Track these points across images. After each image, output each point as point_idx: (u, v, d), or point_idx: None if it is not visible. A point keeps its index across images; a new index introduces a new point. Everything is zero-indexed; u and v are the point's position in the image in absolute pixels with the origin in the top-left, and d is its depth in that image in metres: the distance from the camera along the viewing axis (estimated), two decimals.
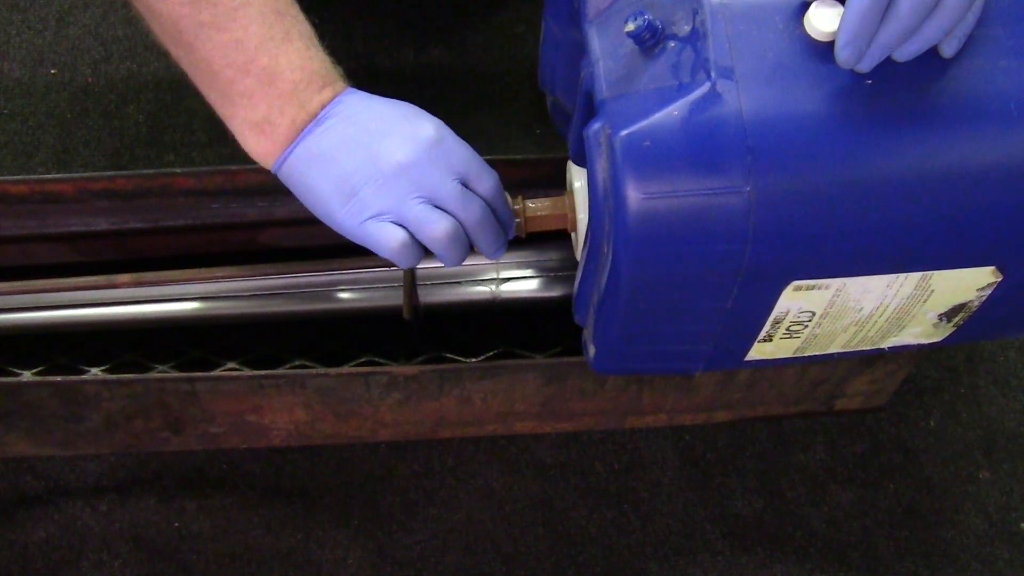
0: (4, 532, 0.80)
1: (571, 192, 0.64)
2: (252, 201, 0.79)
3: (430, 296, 0.80)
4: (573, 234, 0.65)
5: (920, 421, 0.88)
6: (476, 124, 0.98)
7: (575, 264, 0.65)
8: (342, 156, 0.57)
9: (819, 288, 0.55)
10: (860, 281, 0.55)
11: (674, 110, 0.50)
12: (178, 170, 0.78)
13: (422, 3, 1.07)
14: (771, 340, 0.61)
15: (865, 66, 0.50)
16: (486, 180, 0.60)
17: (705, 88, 0.50)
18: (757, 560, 0.81)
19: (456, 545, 0.81)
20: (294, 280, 0.80)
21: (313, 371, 0.74)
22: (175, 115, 0.99)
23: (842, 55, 0.49)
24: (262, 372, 0.74)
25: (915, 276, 0.55)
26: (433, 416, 0.81)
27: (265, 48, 0.57)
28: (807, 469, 0.86)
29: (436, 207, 0.58)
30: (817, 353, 0.63)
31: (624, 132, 0.50)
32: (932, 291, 0.57)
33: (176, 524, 0.81)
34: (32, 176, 0.88)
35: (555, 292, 0.80)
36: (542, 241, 0.74)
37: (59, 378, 0.73)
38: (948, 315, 0.60)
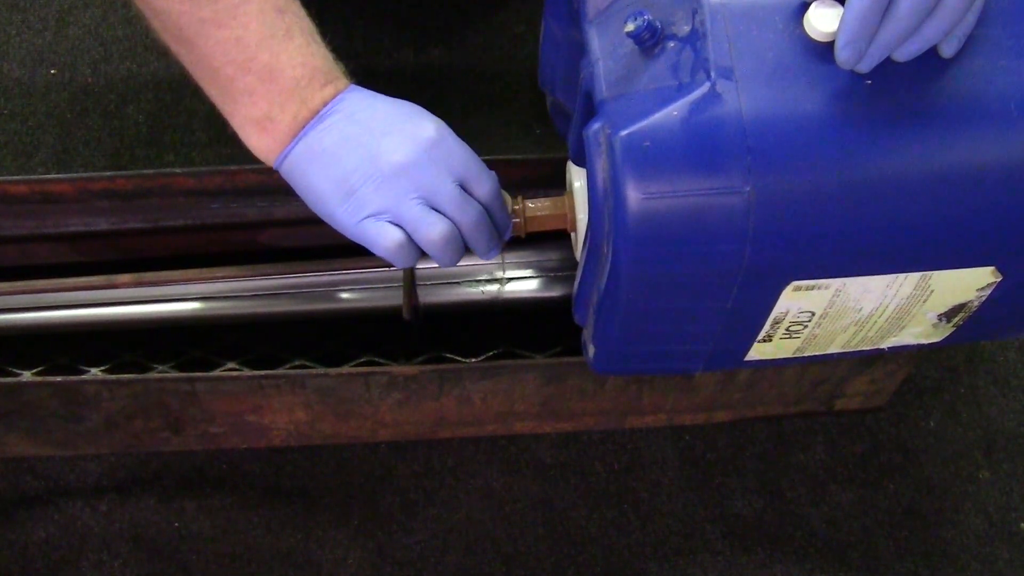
0: (4, 532, 0.80)
1: (571, 192, 0.64)
2: (252, 201, 0.79)
3: (430, 296, 0.80)
4: (573, 234, 0.65)
5: (920, 421, 0.88)
6: (476, 124, 0.98)
7: (575, 264, 0.65)
8: (342, 154, 0.57)
9: (819, 288, 0.55)
10: (860, 281, 0.55)
11: (674, 110, 0.50)
12: (178, 170, 0.78)
13: (422, 3, 1.07)
14: (771, 340, 0.61)
15: (865, 66, 0.50)
16: (485, 183, 0.60)
17: (705, 88, 0.50)
18: (757, 560, 0.81)
19: (456, 545, 0.81)
20: (294, 280, 0.80)
21: (313, 371, 0.74)
22: (175, 115, 0.99)
23: (842, 55, 0.49)
24: (262, 372, 0.74)
25: (915, 276, 0.55)
26: (433, 416, 0.81)
27: (266, 45, 0.57)
28: (807, 469, 0.86)
29: (433, 209, 0.58)
30: (817, 353, 0.63)
31: (624, 132, 0.50)
32: (932, 291, 0.57)
33: (176, 524, 0.81)
34: (32, 176, 0.88)
35: (555, 292, 0.80)
36: (542, 241, 0.74)
37: (59, 378, 0.73)
38: (948, 315, 0.60)
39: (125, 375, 0.75)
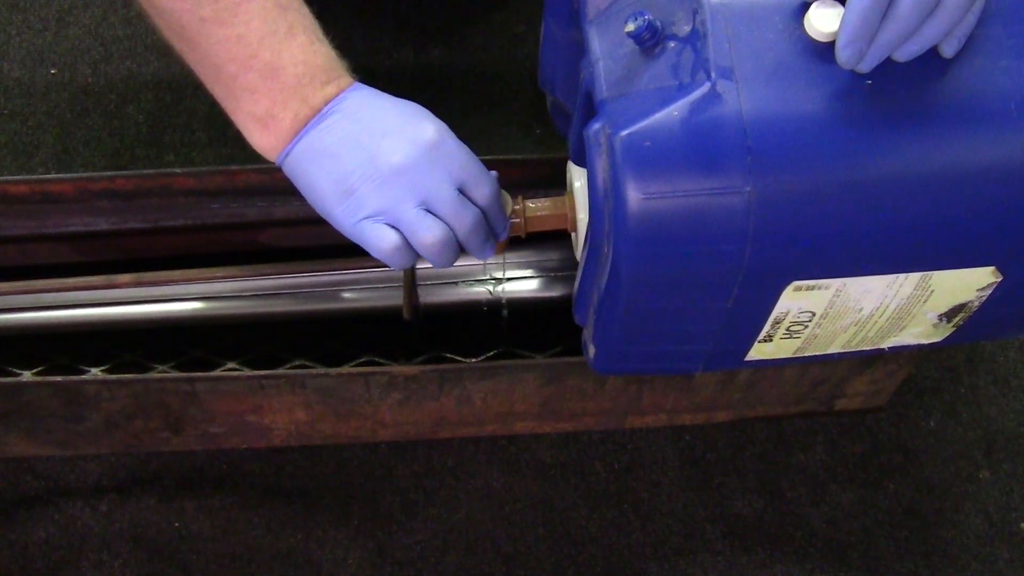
0: (4, 532, 0.80)
1: (571, 192, 0.64)
2: (252, 201, 0.80)
3: (430, 296, 0.80)
4: (573, 234, 0.65)
5: (920, 421, 0.88)
6: (476, 124, 0.98)
7: (575, 264, 0.65)
8: (342, 153, 0.57)
9: (819, 288, 0.55)
10: (860, 281, 0.55)
11: (674, 110, 0.50)
12: (178, 170, 0.78)
13: (422, 3, 1.07)
14: (771, 340, 0.61)
15: (865, 66, 0.50)
16: (483, 187, 0.60)
17: (705, 88, 0.50)
18: (757, 560, 0.81)
19: (456, 545, 0.81)
20: (294, 280, 0.80)
21: (313, 371, 0.74)
22: (175, 115, 0.99)
23: (842, 55, 0.49)
24: (262, 372, 0.74)
25: (915, 276, 0.55)
26: (433, 416, 0.81)
27: (267, 43, 0.57)
28: (807, 469, 0.86)
29: (430, 212, 0.58)
30: (817, 353, 0.63)
31: (624, 132, 0.50)
32: (932, 291, 0.57)
33: (176, 524, 0.81)
34: (32, 176, 0.88)
35: (555, 292, 0.80)
36: (542, 241, 0.74)
37: (59, 378, 0.73)
38: (948, 315, 0.60)
39: (125, 375, 0.75)
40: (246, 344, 0.82)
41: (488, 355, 0.77)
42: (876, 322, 0.59)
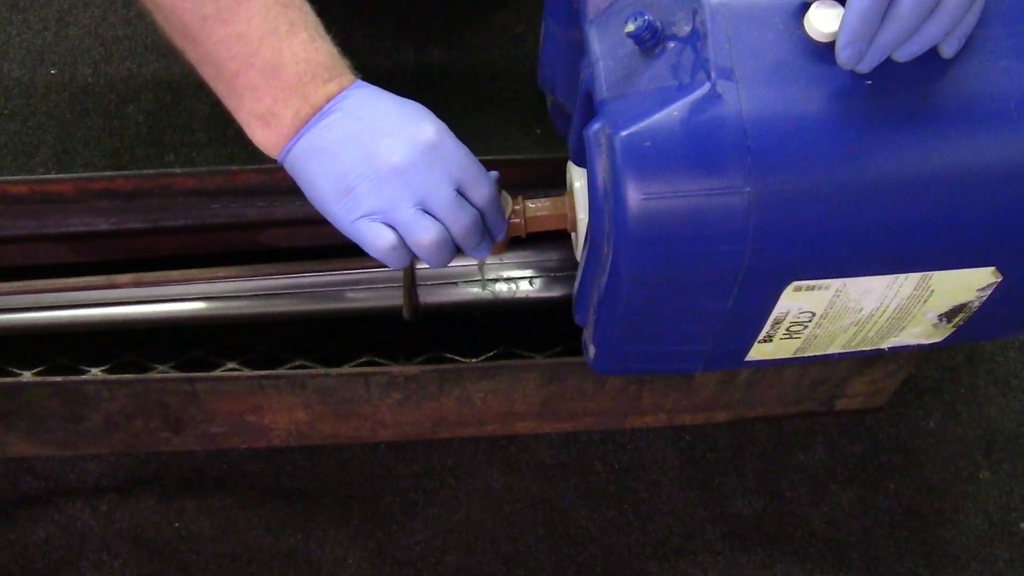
0: (4, 532, 0.80)
1: (571, 192, 0.64)
2: (252, 201, 0.79)
3: (430, 296, 0.80)
4: (573, 234, 0.65)
5: (920, 421, 0.88)
6: (476, 124, 0.98)
7: (575, 264, 0.65)
8: (342, 152, 0.57)
9: (819, 288, 0.55)
10: (860, 281, 0.55)
11: (674, 110, 0.50)
12: (178, 170, 0.78)
13: (422, 3, 1.07)
14: (771, 340, 0.61)
15: (865, 67, 0.50)
16: (482, 187, 0.60)
17: (705, 88, 0.50)
18: (757, 560, 0.81)
19: (456, 545, 0.81)
20: (294, 280, 0.80)
21: (313, 371, 0.74)
22: (175, 115, 0.99)
23: (842, 56, 0.49)
24: (262, 372, 0.74)
25: (915, 277, 0.55)
26: (433, 416, 0.81)
27: (268, 41, 0.57)
28: (807, 469, 0.86)
29: (427, 212, 0.58)
30: (817, 353, 0.63)
31: (624, 132, 0.50)
32: (932, 291, 0.57)
33: (176, 524, 0.81)
34: (32, 176, 0.88)
35: (555, 292, 0.80)
36: (542, 241, 0.74)
37: (59, 378, 0.73)
38: (948, 315, 0.60)
39: (125, 375, 0.75)
40: (246, 344, 0.82)
41: (488, 355, 0.77)
42: (876, 322, 0.59)
